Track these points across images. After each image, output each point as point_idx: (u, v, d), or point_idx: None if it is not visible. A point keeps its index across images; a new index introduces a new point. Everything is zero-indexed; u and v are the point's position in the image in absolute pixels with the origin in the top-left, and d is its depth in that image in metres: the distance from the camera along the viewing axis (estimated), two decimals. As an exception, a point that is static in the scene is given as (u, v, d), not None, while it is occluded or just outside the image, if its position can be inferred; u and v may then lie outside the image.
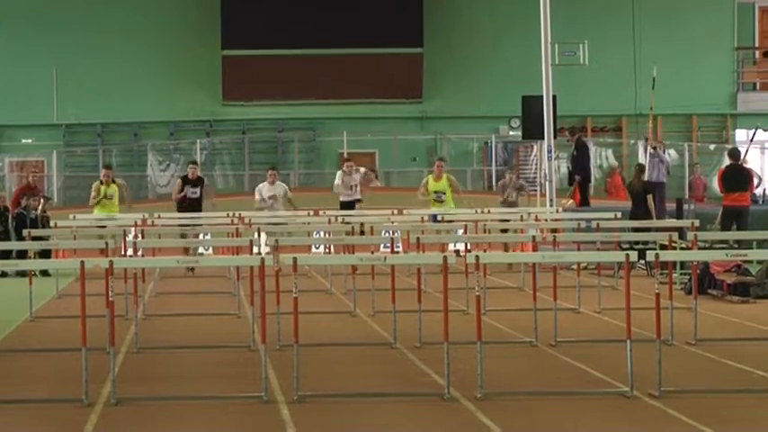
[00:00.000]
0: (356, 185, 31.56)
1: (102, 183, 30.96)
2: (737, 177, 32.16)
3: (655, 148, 35.77)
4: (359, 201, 31.53)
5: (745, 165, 33.11)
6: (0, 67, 44.57)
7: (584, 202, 35.54)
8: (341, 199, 31.67)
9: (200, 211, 30.92)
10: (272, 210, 30.30)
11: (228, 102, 45.64)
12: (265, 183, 31.51)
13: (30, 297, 20.99)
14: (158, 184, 44.80)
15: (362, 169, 32.74)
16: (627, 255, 14.84)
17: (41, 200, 31.84)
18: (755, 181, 37.41)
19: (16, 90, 44.49)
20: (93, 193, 31.09)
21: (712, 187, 39.54)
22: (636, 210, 29.84)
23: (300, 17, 44.19)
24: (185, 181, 31.81)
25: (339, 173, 32.09)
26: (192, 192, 31.34)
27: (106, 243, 22.00)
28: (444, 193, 30.55)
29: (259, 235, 24.63)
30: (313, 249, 26.37)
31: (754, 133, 43.26)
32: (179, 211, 30.75)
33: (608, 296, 20.61)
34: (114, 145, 45.17)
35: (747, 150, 40.81)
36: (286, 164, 45.78)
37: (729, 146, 39.73)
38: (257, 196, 31.81)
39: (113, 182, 31.26)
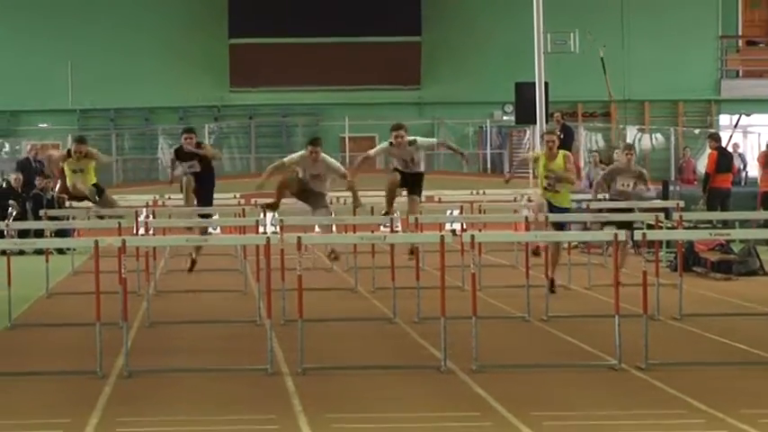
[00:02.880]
0: (414, 158, 22.37)
1: (69, 156, 23.59)
2: (725, 160, 32.27)
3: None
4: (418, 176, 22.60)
5: (725, 148, 33.18)
6: (19, 56, 44.51)
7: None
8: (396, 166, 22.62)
9: (209, 187, 23.72)
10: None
11: (235, 88, 45.61)
12: (302, 155, 21.59)
13: (46, 274, 21.04)
14: (168, 167, 44.67)
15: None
16: (615, 234, 14.91)
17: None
18: (738, 164, 37.48)
19: (34, 78, 44.42)
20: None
21: (698, 170, 39.52)
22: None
23: (303, 7, 44.13)
24: (179, 156, 23.75)
25: (383, 145, 23.07)
26: (189, 166, 23.36)
27: (119, 222, 22.04)
28: (560, 180, 20.88)
29: (265, 215, 24.61)
30: (316, 229, 26.27)
31: (739, 119, 43.30)
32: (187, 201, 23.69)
33: (597, 273, 20.64)
34: (126, 129, 45.12)
35: (732, 135, 40.91)
36: (290, 147, 45.69)
37: (712, 130, 39.64)
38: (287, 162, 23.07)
39: (85, 156, 23.59)
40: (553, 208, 20.37)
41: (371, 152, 23.39)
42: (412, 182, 22.27)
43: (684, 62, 45.12)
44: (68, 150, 23.84)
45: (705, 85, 46.24)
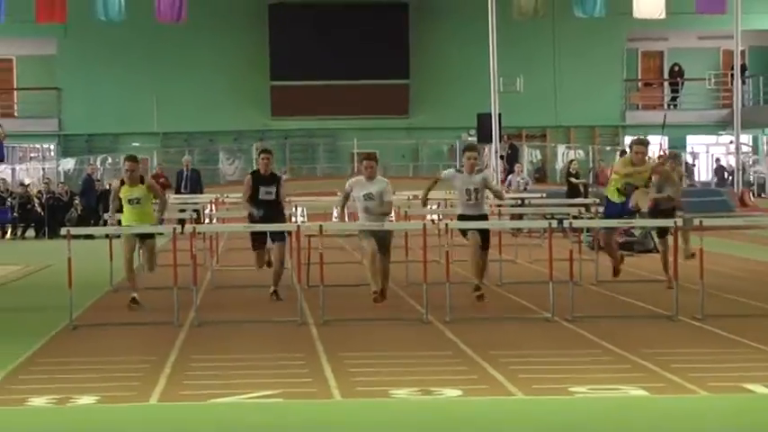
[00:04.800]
0: (477, 191, 15.12)
1: (122, 183, 15.55)
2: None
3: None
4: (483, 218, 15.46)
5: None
6: (116, 90, 44.29)
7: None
8: (459, 212, 15.50)
9: (279, 217, 16.21)
10: (369, 213, 15.06)
11: (275, 117, 45.53)
12: (359, 177, 15.39)
13: (138, 253, 21.01)
14: (226, 174, 44.61)
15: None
16: (549, 223, 15.01)
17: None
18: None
19: (129, 107, 44.33)
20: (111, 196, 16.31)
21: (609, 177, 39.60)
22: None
23: (324, 59, 44.05)
24: (256, 179, 15.99)
25: (449, 171, 16.06)
26: (267, 192, 15.93)
27: (190, 215, 21.96)
28: (637, 187, 15.92)
29: (296, 208, 24.55)
30: (333, 217, 26.12)
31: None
32: (251, 221, 16.04)
33: (537, 252, 20.63)
34: (195, 147, 45.13)
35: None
36: (314, 161, 45.73)
37: (620, 148, 39.69)
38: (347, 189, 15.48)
39: (141, 182, 15.56)
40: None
41: (444, 175, 16.05)
42: (481, 231, 15.12)
43: (599, 97, 45.06)
44: (122, 180, 15.50)
45: (614, 115, 46.20)
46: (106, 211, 18.94)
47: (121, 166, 15.75)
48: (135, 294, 15.20)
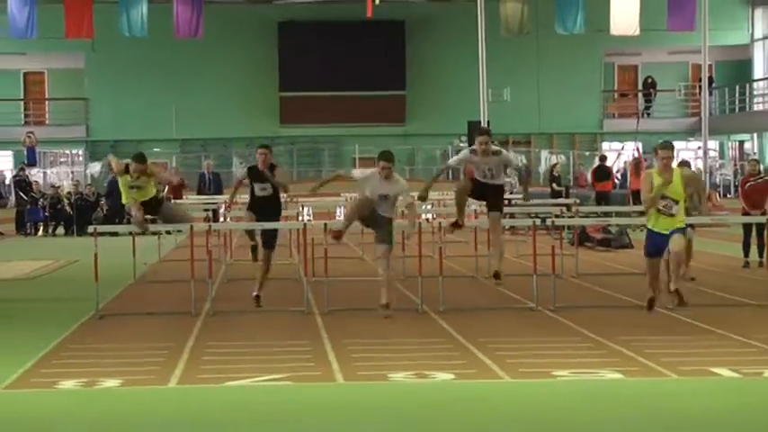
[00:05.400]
0: (491, 170, 13.33)
1: (127, 172, 14.43)
2: (604, 173, 32.31)
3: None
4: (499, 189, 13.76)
5: (606, 164, 33.19)
6: (139, 100, 44.07)
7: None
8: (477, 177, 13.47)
9: (274, 215, 14.34)
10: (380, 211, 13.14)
11: (283, 125, 45.45)
12: (373, 172, 13.12)
13: (158, 248, 21.06)
14: (239, 177, 44.39)
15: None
16: (533, 221, 14.98)
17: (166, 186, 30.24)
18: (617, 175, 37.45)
19: (151, 115, 44.17)
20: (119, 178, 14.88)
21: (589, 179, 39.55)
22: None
23: (328, 71, 43.96)
24: (252, 174, 14.21)
25: (464, 153, 13.91)
26: (263, 189, 14.12)
27: (207, 215, 21.94)
28: (677, 202, 11.75)
29: (303, 208, 24.48)
30: (337, 216, 26.08)
31: (622, 148, 43.41)
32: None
33: (522, 247, 20.61)
34: (211, 152, 44.98)
35: (618, 156, 40.78)
36: (319, 165, 45.65)
37: (598, 153, 39.66)
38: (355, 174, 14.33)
39: (144, 174, 14.41)
40: None
41: (451, 162, 14.72)
42: (492, 194, 13.42)
43: (579, 107, 44.94)
44: (126, 166, 14.38)
45: (592, 123, 46.05)
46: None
47: (129, 163, 14.45)
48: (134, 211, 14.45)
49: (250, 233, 14.78)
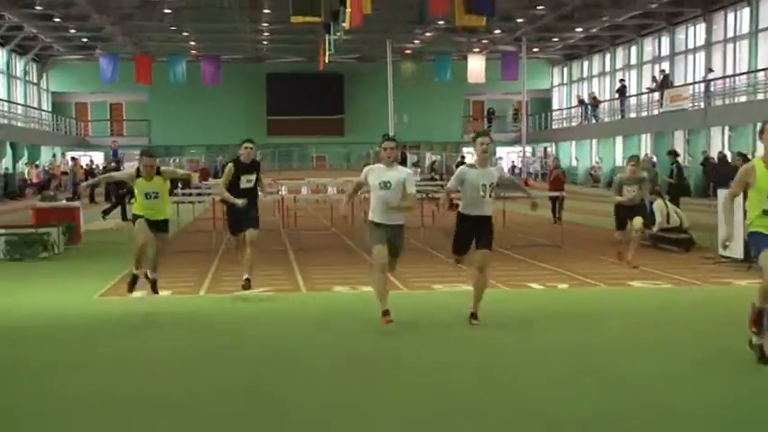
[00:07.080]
0: (491, 186, 6.83)
1: (139, 175, 8.29)
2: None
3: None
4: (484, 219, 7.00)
5: (465, 160, 32.84)
6: (181, 120, 44.09)
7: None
8: (464, 212, 6.99)
9: (254, 205, 9.07)
10: (384, 206, 6.90)
11: (269, 136, 45.15)
12: (378, 164, 7.00)
13: (193, 211, 20.74)
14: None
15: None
16: (422, 195, 14.77)
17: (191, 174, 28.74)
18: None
19: (186, 130, 43.93)
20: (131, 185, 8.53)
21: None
22: None
23: (298, 102, 44.36)
24: (238, 166, 8.86)
25: (462, 169, 7.06)
26: (248, 180, 8.89)
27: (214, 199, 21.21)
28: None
29: (282, 187, 23.98)
30: (302, 191, 23.76)
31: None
32: (232, 211, 9.01)
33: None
34: (223, 152, 44.46)
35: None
36: (291, 161, 45.29)
37: (460, 154, 39.55)
38: (362, 177, 7.15)
39: (157, 173, 8.31)
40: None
41: (450, 186, 7.33)
42: (482, 228, 7.11)
43: (449, 126, 45.21)
44: (137, 169, 8.45)
45: (457, 135, 45.75)
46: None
47: (139, 161, 8.39)
48: (136, 272, 8.56)
49: (236, 235, 9.27)
